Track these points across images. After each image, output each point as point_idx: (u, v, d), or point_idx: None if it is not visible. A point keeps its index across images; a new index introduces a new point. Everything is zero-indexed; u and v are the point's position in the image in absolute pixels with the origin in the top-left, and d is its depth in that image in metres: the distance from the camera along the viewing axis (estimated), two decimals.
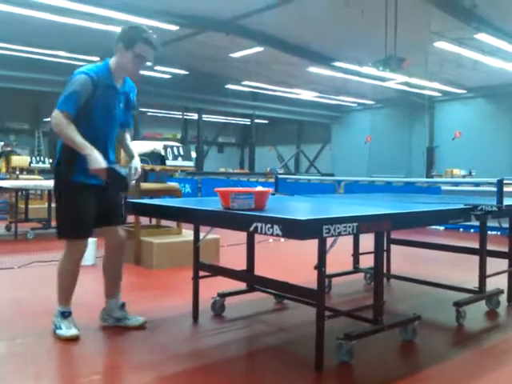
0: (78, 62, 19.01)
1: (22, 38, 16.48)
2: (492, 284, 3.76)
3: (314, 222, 2.33)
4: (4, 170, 11.63)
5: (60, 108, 2.85)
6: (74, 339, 3.00)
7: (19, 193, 7.81)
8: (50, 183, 8.34)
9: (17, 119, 26.64)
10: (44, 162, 10.89)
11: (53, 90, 20.88)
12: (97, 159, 2.86)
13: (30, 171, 10.83)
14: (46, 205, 7.95)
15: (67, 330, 3.04)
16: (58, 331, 3.06)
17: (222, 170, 27.63)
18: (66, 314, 3.08)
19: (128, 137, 3.35)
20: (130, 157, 3.27)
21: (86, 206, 3.00)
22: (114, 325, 3.27)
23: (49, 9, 12.76)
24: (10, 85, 19.55)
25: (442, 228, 9.24)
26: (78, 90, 2.86)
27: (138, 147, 5.13)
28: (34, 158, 11.07)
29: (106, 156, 3.00)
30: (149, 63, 3.03)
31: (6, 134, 25.82)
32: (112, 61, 3.06)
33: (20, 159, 11.05)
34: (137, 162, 3.20)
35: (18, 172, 10.50)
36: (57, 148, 3.05)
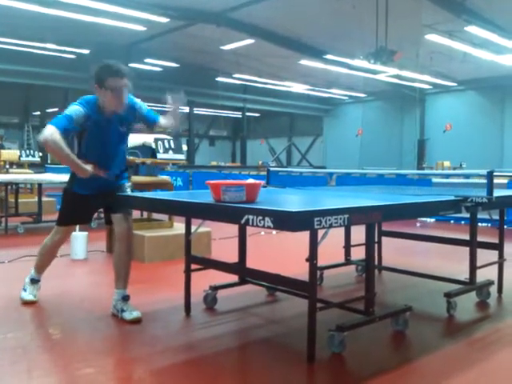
0: (68, 54, 18.86)
1: (10, 30, 16.30)
2: (482, 275, 3.79)
3: (305, 213, 2.33)
4: None
5: (53, 124, 3.02)
6: (29, 303, 3.57)
7: (9, 187, 7.73)
8: (40, 177, 8.30)
9: (6, 113, 26.38)
10: (34, 156, 10.76)
11: (42, 83, 20.71)
12: (82, 170, 3.17)
13: (19, 165, 10.73)
14: (36, 199, 7.88)
15: (28, 294, 3.61)
16: (22, 293, 3.64)
17: (214, 163, 27.53)
18: (33, 280, 3.66)
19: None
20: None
21: (73, 208, 3.49)
22: (118, 315, 3.36)
23: (38, 1, 12.64)
24: None
25: (432, 220, 9.29)
26: (71, 116, 3.08)
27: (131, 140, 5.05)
28: (23, 151, 10.95)
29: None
30: (126, 90, 3.21)
31: None
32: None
33: (10, 153, 10.94)
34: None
35: (7, 166, 10.40)
36: None
